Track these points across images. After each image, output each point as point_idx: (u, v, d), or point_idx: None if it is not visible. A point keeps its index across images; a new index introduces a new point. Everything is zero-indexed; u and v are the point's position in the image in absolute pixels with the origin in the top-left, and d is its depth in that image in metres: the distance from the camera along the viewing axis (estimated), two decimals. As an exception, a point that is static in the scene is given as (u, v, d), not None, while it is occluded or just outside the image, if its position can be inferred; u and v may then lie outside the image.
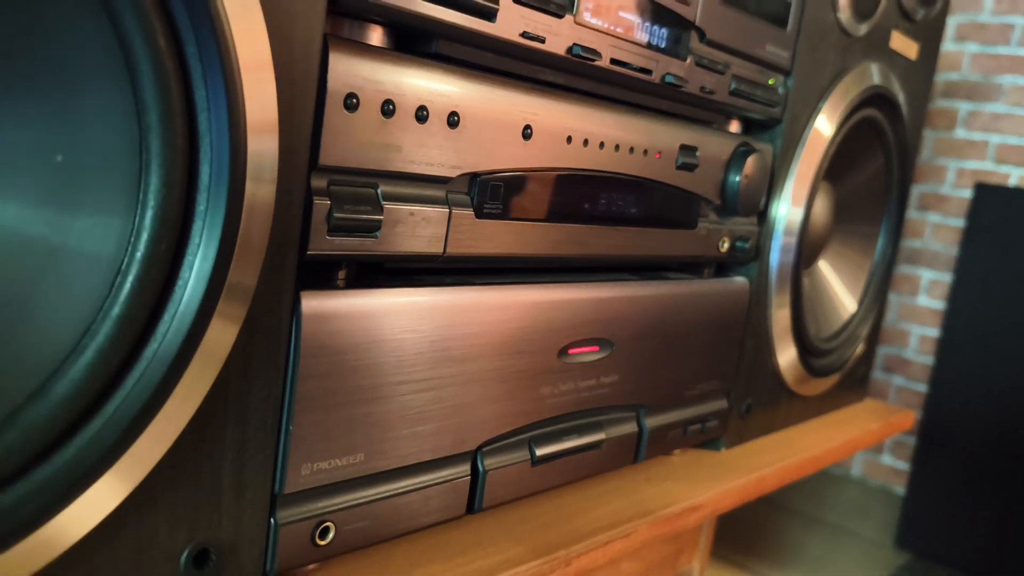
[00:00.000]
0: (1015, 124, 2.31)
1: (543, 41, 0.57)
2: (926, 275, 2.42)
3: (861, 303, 1.10)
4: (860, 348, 1.11)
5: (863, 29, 0.93)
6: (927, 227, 2.42)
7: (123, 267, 0.39)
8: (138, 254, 0.39)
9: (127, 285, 0.39)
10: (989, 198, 2.18)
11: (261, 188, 0.42)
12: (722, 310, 0.82)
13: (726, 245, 0.82)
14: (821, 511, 2.49)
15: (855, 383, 1.16)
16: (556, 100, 0.60)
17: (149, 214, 0.39)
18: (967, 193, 2.35)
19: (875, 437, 1.08)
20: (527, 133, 0.58)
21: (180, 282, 0.41)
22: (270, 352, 0.46)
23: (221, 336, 0.43)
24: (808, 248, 1.01)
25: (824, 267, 1.08)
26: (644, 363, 0.73)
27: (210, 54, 0.38)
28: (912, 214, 2.44)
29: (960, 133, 2.39)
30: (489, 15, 0.53)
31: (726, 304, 0.83)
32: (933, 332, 2.40)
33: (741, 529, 2.22)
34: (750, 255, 0.85)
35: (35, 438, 0.37)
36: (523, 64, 0.59)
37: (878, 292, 1.12)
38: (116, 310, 0.39)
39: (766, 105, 0.81)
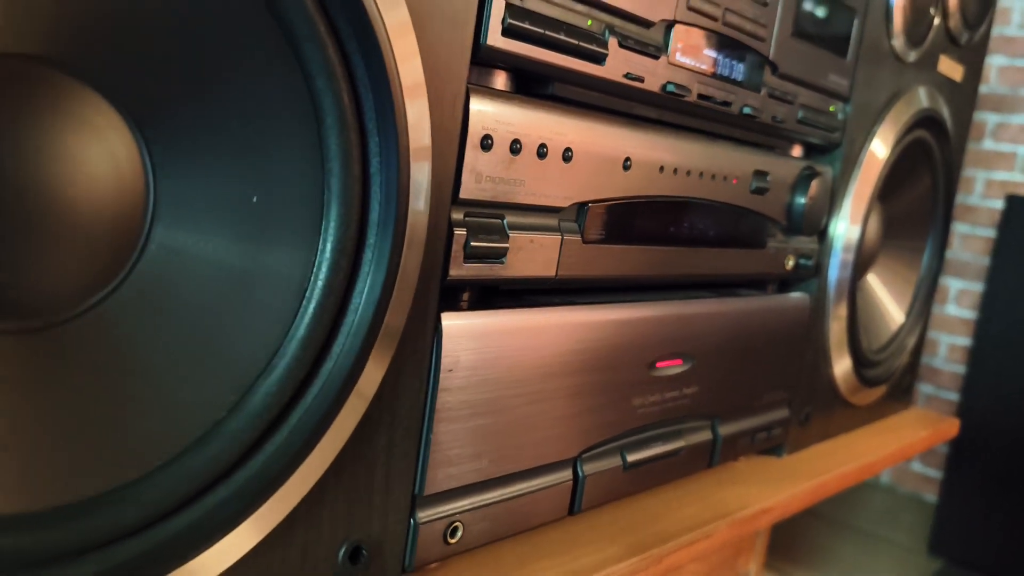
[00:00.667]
0: (1043, 135, 2.34)
1: (642, 80, 0.62)
2: (955, 285, 2.46)
3: (908, 315, 1.14)
4: (906, 359, 1.15)
5: (914, 55, 0.98)
6: (956, 237, 2.46)
7: (307, 294, 0.44)
8: (320, 283, 0.44)
9: (311, 310, 0.44)
10: (1020, 209, 2.22)
11: (417, 221, 0.48)
12: (786, 324, 0.87)
13: (791, 263, 0.86)
14: (852, 518, 2.52)
15: (901, 392, 1.20)
16: (650, 133, 0.65)
17: (329, 247, 0.44)
18: (996, 204, 2.39)
19: (925, 444, 1.12)
20: (627, 164, 0.63)
21: (352, 306, 0.46)
22: (416, 368, 0.51)
23: (381, 355, 0.48)
24: (860, 263, 1.05)
25: (873, 281, 1.13)
26: (719, 375, 0.78)
27: (385, 113, 0.44)
28: (941, 224, 2.48)
29: (988, 144, 2.42)
30: (599, 59, 0.58)
31: (789, 319, 0.88)
32: (963, 341, 2.44)
33: (776, 534, 2.26)
34: (812, 272, 0.90)
35: (235, 447, 0.43)
36: (622, 101, 0.64)
37: (924, 304, 1.16)
38: (301, 332, 0.44)
39: (827, 131, 0.86)
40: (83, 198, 0.39)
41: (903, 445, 1.07)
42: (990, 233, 2.39)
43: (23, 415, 0.37)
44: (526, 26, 0.52)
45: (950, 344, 2.47)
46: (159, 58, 0.39)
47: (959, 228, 2.45)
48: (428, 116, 0.47)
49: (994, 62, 2.41)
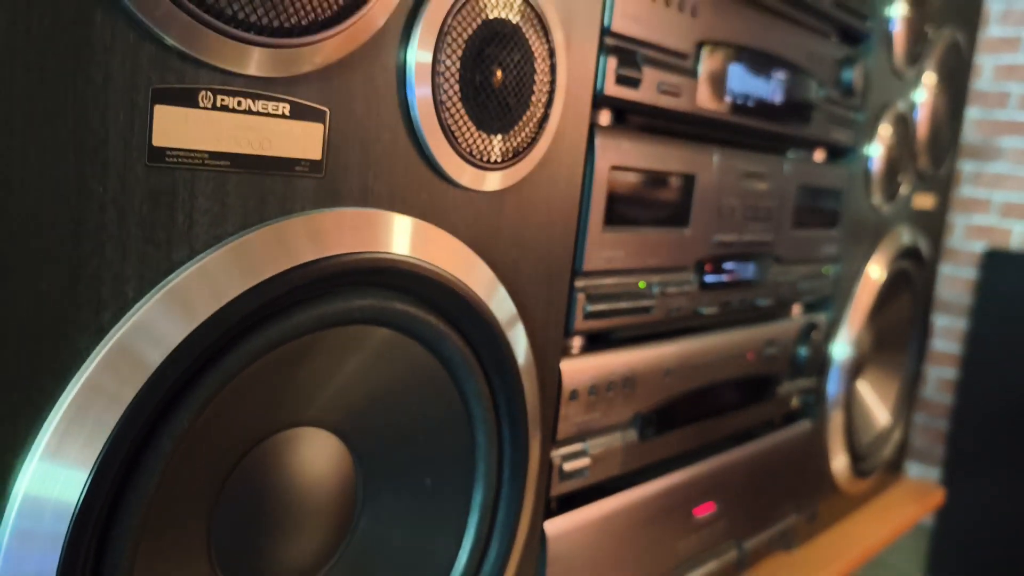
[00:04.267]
0: (1017, 183, 2.53)
1: (679, 310, 0.80)
2: (941, 321, 2.65)
3: (894, 412, 1.33)
4: (894, 449, 1.34)
5: (890, 208, 1.17)
6: (940, 278, 2.65)
7: (463, 540, 0.62)
8: (472, 529, 0.62)
9: (467, 549, 0.62)
10: (996, 261, 2.41)
11: (531, 468, 0.66)
12: (793, 449, 1.06)
13: (796, 401, 1.05)
14: (854, 539, 2.71)
15: (889, 472, 1.39)
16: (683, 342, 0.83)
17: (475, 517, 0.63)
18: (976, 246, 2.58)
19: (914, 518, 1.31)
20: (667, 373, 0.81)
21: (493, 542, 0.64)
22: (532, 564, 0.69)
23: (512, 566, 0.66)
24: (854, 375, 1.24)
25: (861, 385, 1.31)
26: (742, 506, 0.97)
27: (515, 418, 0.62)
28: (925, 265, 2.67)
29: (967, 191, 2.61)
30: (648, 311, 0.76)
31: (796, 444, 1.06)
32: (950, 373, 2.63)
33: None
34: (812, 402, 1.08)
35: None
36: (663, 325, 0.82)
37: (907, 402, 1.35)
38: (463, 563, 0.62)
39: (821, 291, 1.04)
40: (323, 500, 0.57)
41: (895, 525, 1.26)
42: (971, 274, 2.59)
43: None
44: (600, 308, 0.70)
45: (938, 377, 2.66)
46: (383, 425, 0.57)
47: (943, 269, 2.64)
48: (539, 404, 0.65)
49: (970, 115, 2.60)
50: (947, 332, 2.65)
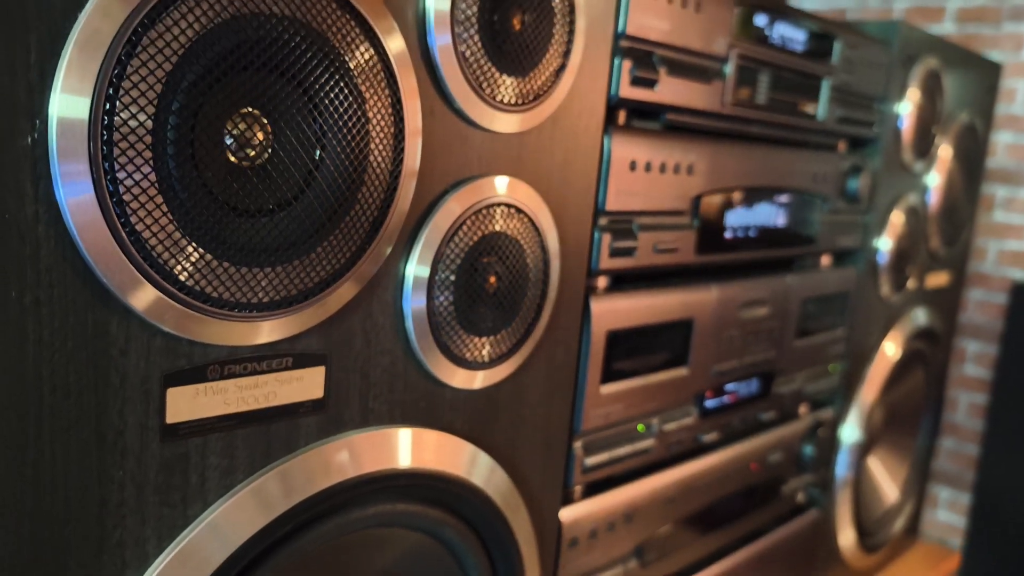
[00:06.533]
0: (1050, 208, 2.50)
1: (680, 443, 0.83)
2: (972, 347, 2.63)
3: (904, 487, 1.34)
4: (905, 521, 1.36)
5: (899, 298, 1.18)
6: (971, 303, 2.63)
7: None
8: None
9: None
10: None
11: (532, 625, 0.70)
12: (800, 539, 1.08)
13: (801, 496, 1.07)
14: None
15: (903, 537, 1.41)
16: (686, 465, 0.86)
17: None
18: (1008, 272, 2.56)
19: (927, 591, 1.33)
20: (669, 499, 0.84)
21: None
22: None
23: None
24: (864, 453, 1.26)
25: (872, 461, 1.33)
26: (747, 605, 1.00)
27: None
28: (956, 290, 2.65)
29: (999, 216, 2.59)
30: (648, 451, 0.79)
31: (804, 532, 1.09)
32: (980, 399, 2.62)
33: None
34: (818, 494, 1.11)
35: None
36: (663, 457, 0.85)
37: (920, 476, 1.37)
38: None
39: (827, 390, 1.07)
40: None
41: (906, 600, 1.28)
42: (1002, 299, 2.57)
43: None
44: (599, 460, 0.74)
45: (969, 402, 2.65)
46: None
47: (974, 294, 2.63)
48: (538, 559, 0.69)
49: (1001, 139, 2.57)
50: (978, 358, 2.63)
